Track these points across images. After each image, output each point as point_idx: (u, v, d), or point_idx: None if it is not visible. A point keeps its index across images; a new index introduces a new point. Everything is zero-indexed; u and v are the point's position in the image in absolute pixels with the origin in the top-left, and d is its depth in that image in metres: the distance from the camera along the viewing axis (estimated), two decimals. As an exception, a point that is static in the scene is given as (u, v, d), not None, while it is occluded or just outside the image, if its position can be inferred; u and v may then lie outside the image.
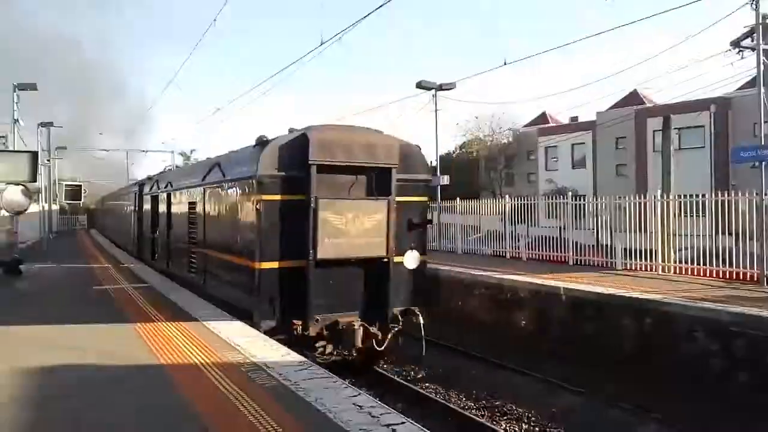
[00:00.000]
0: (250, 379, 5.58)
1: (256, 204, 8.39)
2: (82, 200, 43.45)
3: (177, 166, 35.13)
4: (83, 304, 10.26)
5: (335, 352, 8.84)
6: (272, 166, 8.45)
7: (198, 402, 4.97)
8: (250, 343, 7.08)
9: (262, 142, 8.78)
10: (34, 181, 20.55)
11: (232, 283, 9.66)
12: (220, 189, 10.53)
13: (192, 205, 12.29)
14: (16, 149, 21.48)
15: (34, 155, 20.42)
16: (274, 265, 8.48)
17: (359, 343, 8.55)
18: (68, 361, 6.39)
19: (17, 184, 19.19)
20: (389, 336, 8.90)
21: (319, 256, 8.36)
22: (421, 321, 9.06)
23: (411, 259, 9.36)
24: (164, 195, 15.06)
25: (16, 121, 22.60)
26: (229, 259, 9.76)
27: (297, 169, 8.41)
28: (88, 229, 48.56)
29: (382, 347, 8.85)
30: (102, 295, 11.23)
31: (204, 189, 11.35)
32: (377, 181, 8.90)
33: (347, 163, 8.65)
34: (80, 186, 40.61)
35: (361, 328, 8.59)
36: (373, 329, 8.77)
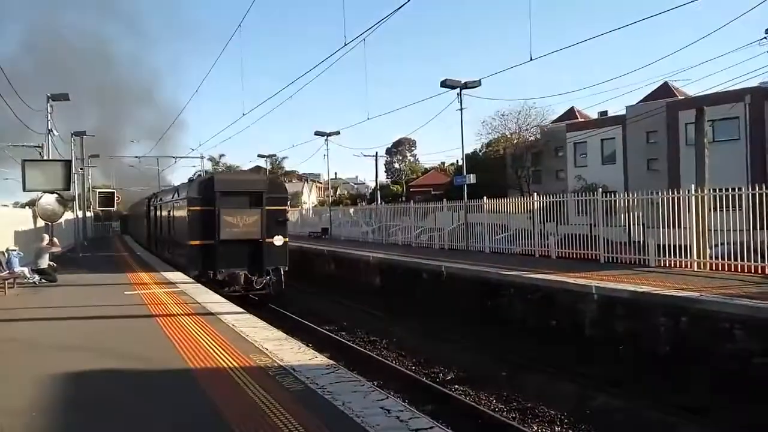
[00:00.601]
0: (277, 383, 5.58)
1: (189, 211, 16.00)
2: (115, 207, 44.44)
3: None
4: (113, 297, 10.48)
5: (232, 290, 15.14)
6: (196, 192, 16.07)
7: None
8: (278, 347, 7.10)
9: (191, 180, 17.65)
10: (68, 189, 21.07)
11: (180, 254, 17.24)
12: (176, 204, 18.52)
13: (165, 212, 20.88)
14: (50, 158, 21.99)
15: (68, 164, 20.98)
16: (198, 242, 15.85)
17: (242, 283, 15.57)
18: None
19: (52, 192, 19.71)
20: (264, 281, 15.95)
21: (221, 237, 15.54)
22: (282, 272, 16.41)
23: (278, 240, 16.37)
24: (154, 207, 24.43)
25: (50, 131, 23.16)
26: (179, 241, 17.59)
27: (210, 193, 15.68)
28: (122, 234, 49.62)
29: (260, 287, 15.88)
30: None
31: (170, 203, 19.81)
32: (254, 199, 16.07)
33: (235, 190, 16.17)
34: (113, 193, 41.48)
35: (244, 275, 15.61)
36: (254, 278, 15.77)
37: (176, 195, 18.86)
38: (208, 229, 15.53)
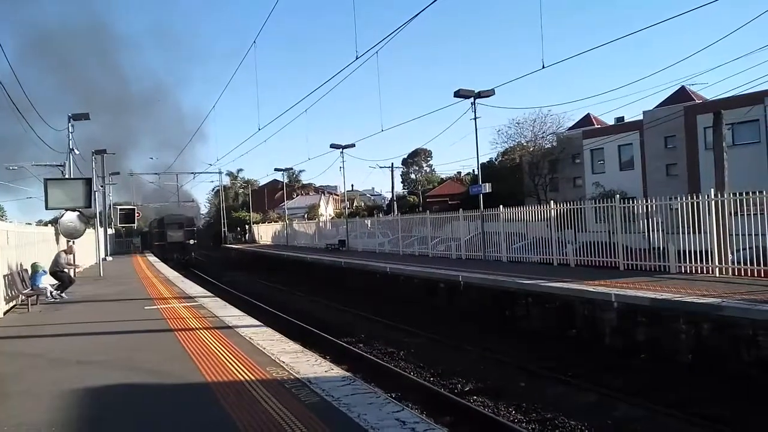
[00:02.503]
0: (293, 395, 5.59)
1: (156, 230, 45.23)
2: (136, 223, 45.10)
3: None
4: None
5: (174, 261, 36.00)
6: (157, 223, 46.68)
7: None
8: (294, 360, 7.12)
9: (161, 218, 47.58)
10: (89, 206, 21.46)
11: (155, 250, 42.90)
12: (154, 227, 48.56)
13: (152, 230, 48.91)
14: (72, 177, 22.43)
15: (88, 181, 21.38)
16: (159, 243, 42.59)
17: (175, 259, 37.43)
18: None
19: (74, 210, 20.08)
20: (186, 258, 40.25)
21: (168, 241, 41.43)
22: (193, 254, 42.14)
23: (190, 241, 42.42)
24: (150, 227, 53.84)
25: (71, 150, 23.66)
26: (154, 243, 45.14)
27: (163, 223, 43.94)
28: (143, 251, 50.29)
29: (184, 260, 39.32)
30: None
31: (154, 227, 48.43)
32: (179, 225, 43.05)
33: (172, 222, 43.49)
34: (133, 209, 42.14)
35: (176, 256, 38.82)
36: (182, 257, 39.82)
37: (155, 223, 47.31)
38: (163, 238, 41.70)
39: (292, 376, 6.32)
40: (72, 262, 17.26)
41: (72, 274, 16.64)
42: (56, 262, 16.11)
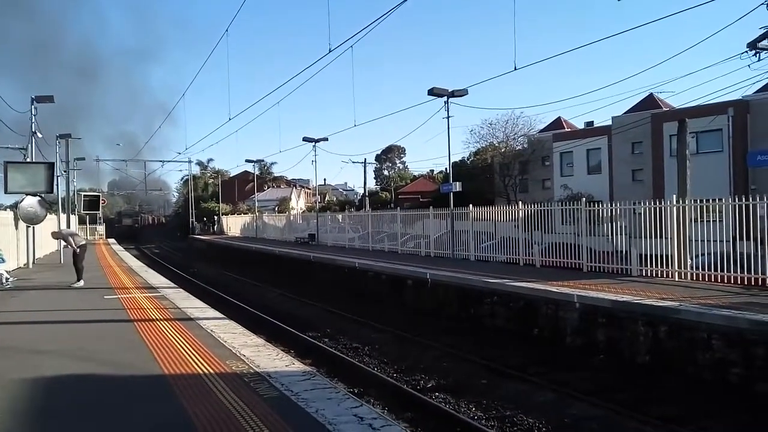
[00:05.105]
0: (252, 389, 5.52)
1: (118, 219, 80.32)
2: (100, 211, 44.02)
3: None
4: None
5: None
6: (118, 214, 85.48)
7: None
8: (255, 354, 7.04)
9: (124, 210, 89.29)
10: (51, 191, 20.86)
11: (114, 234, 60.69)
12: (118, 216, 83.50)
13: (119, 219, 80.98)
14: (33, 161, 21.75)
15: (51, 166, 20.77)
16: (118, 226, 72.95)
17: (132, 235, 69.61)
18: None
19: (34, 194, 19.49)
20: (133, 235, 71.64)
21: (123, 224, 76.71)
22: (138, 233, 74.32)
23: (135, 226, 78.87)
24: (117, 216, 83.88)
25: (33, 133, 22.92)
26: (114, 229, 67.53)
27: (122, 215, 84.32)
28: (107, 239, 49.13)
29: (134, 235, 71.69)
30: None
31: (119, 215, 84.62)
32: (133, 216, 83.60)
33: (128, 213, 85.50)
34: (98, 197, 41.20)
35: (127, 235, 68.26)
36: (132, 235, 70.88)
37: (116, 215, 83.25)
38: (120, 223, 76.00)
39: (252, 370, 6.24)
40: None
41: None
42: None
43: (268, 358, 6.86)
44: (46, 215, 20.74)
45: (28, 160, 21.97)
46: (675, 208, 13.17)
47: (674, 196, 13.74)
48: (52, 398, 5.58)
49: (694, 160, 17.24)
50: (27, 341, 8.09)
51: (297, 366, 6.62)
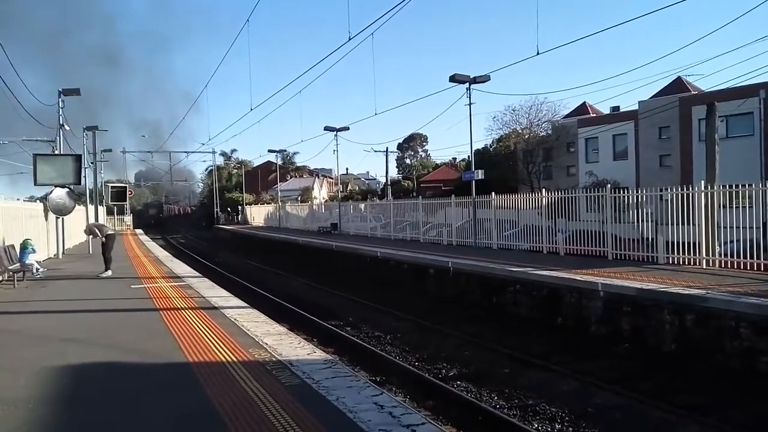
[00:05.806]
0: (274, 377, 5.58)
1: (146, 209, 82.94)
2: (128, 202, 44.79)
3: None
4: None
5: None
6: (145, 205, 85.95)
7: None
8: (278, 342, 7.11)
9: (145, 204, 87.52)
10: (79, 183, 21.28)
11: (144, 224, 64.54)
12: (147, 207, 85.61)
13: (145, 210, 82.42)
14: (61, 153, 22.19)
15: (78, 158, 21.17)
16: (147, 217, 76.82)
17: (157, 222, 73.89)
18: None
19: (63, 186, 19.91)
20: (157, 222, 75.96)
21: (150, 214, 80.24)
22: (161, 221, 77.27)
23: (160, 215, 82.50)
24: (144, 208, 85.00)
25: (61, 125, 23.38)
26: (142, 219, 70.90)
27: (148, 206, 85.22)
28: (134, 229, 50.02)
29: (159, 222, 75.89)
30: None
31: (147, 206, 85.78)
32: (156, 207, 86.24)
33: (152, 204, 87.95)
34: (125, 188, 41.84)
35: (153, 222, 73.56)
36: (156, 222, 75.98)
37: (143, 206, 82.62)
38: (147, 214, 77.53)
39: (274, 358, 6.31)
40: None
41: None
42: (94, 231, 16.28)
43: (290, 346, 6.92)
44: (75, 206, 21.19)
45: (57, 152, 22.45)
46: (703, 194, 12.88)
47: (702, 181, 13.44)
48: (81, 386, 5.72)
49: (724, 144, 16.79)
50: (57, 330, 8.30)
51: (318, 354, 6.67)
